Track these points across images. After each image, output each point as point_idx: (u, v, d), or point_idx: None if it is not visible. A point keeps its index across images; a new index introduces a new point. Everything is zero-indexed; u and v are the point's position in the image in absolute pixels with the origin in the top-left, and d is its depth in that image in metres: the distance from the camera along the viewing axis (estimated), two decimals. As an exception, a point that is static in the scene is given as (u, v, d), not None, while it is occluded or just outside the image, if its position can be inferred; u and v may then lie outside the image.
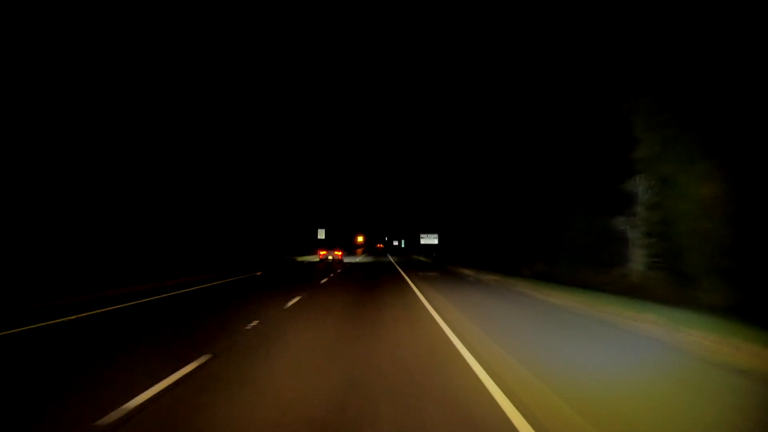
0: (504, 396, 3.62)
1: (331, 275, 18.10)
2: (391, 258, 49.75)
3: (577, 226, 18.21)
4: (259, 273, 19.87)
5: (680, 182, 11.13)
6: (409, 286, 13.51)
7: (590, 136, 17.84)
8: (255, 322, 6.87)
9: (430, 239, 50.29)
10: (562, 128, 19.89)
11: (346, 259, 37.94)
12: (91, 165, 18.97)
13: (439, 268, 27.63)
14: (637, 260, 15.06)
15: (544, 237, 21.95)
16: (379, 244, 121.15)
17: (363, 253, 69.95)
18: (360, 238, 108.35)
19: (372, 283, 15.09)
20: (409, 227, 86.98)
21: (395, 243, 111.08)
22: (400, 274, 20.68)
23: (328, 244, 42.44)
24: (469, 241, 35.28)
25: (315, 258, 38.24)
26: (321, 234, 52.17)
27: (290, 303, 9.21)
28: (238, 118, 34.60)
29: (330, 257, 35.31)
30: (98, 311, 7.92)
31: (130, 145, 21.38)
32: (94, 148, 19.15)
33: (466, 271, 22.23)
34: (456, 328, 6.52)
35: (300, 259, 38.75)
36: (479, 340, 5.69)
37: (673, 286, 12.09)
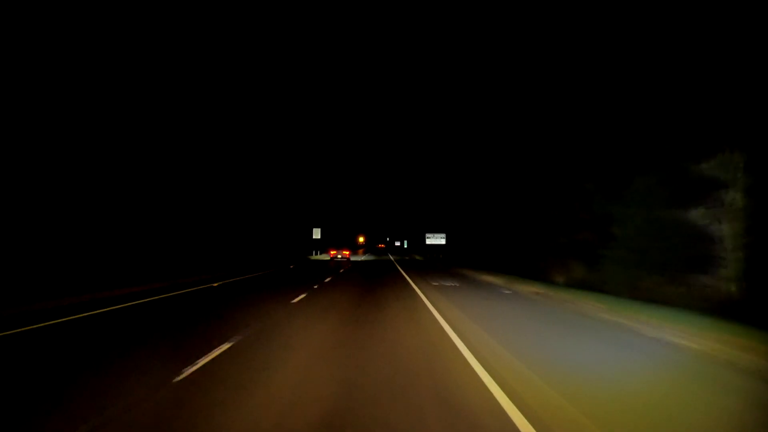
0: None
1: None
2: (391, 257, 51.37)
3: (633, 220, 14.25)
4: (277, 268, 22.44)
5: None
6: (427, 310, 8.91)
7: (649, 94, 13.96)
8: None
9: (436, 239, 46.13)
10: (602, 86, 15.89)
11: (352, 258, 42.30)
12: (94, 167, 18.83)
13: (451, 272, 23.64)
14: (729, 266, 11.15)
15: (577, 234, 18.03)
16: (381, 244, 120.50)
17: (364, 253, 71.76)
18: (361, 239, 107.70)
19: (374, 308, 11.12)
20: (412, 226, 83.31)
21: (397, 243, 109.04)
22: (407, 281, 16.71)
23: (336, 245, 48.03)
24: (482, 241, 31.33)
25: (326, 257, 44.50)
26: (316, 233, 48.80)
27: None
28: (238, 117, 34.71)
29: (339, 256, 40.07)
30: None
31: (132, 146, 21.29)
32: (96, 149, 18.95)
33: (491, 279, 18.16)
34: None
35: (313, 258, 43.72)
36: None
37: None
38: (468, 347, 5.66)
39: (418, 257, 50.73)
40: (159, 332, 6.67)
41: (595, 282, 15.14)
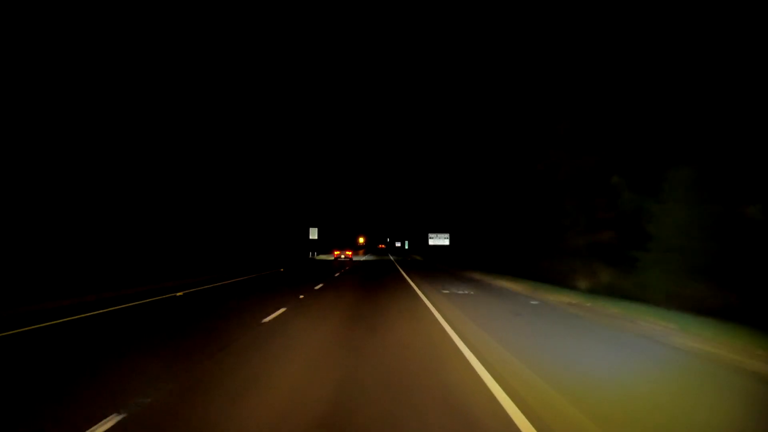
0: None
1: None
2: (391, 257, 51.62)
3: (671, 218, 12.23)
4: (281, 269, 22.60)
5: None
6: (450, 340, 6.27)
7: (687, 73, 12.00)
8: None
9: (440, 239, 44.04)
10: (628, 66, 13.88)
11: (354, 258, 43.42)
12: (94, 168, 18.66)
13: (459, 276, 21.66)
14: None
15: (600, 234, 16.02)
16: (381, 244, 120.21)
17: (365, 254, 71.75)
18: (361, 239, 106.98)
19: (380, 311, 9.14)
20: (413, 227, 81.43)
21: (398, 244, 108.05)
22: (413, 290, 14.76)
23: (338, 246, 50.59)
24: (489, 241, 29.34)
25: (324, 257, 46.18)
26: (313, 234, 47.04)
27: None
28: (237, 118, 34.85)
29: (342, 256, 41.82)
30: None
31: (133, 148, 21.09)
32: (97, 151, 18.83)
33: (507, 284, 16.06)
34: None
35: (314, 258, 45.06)
36: None
37: None
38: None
39: (418, 257, 49.44)
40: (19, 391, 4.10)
41: (628, 288, 13.13)
